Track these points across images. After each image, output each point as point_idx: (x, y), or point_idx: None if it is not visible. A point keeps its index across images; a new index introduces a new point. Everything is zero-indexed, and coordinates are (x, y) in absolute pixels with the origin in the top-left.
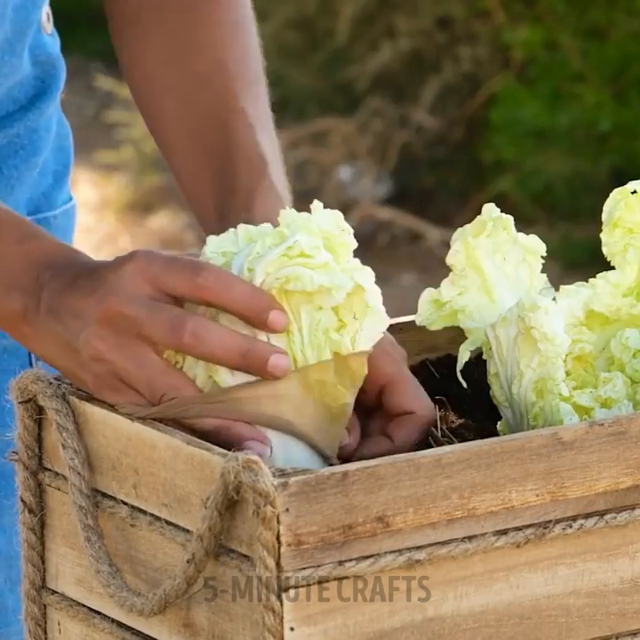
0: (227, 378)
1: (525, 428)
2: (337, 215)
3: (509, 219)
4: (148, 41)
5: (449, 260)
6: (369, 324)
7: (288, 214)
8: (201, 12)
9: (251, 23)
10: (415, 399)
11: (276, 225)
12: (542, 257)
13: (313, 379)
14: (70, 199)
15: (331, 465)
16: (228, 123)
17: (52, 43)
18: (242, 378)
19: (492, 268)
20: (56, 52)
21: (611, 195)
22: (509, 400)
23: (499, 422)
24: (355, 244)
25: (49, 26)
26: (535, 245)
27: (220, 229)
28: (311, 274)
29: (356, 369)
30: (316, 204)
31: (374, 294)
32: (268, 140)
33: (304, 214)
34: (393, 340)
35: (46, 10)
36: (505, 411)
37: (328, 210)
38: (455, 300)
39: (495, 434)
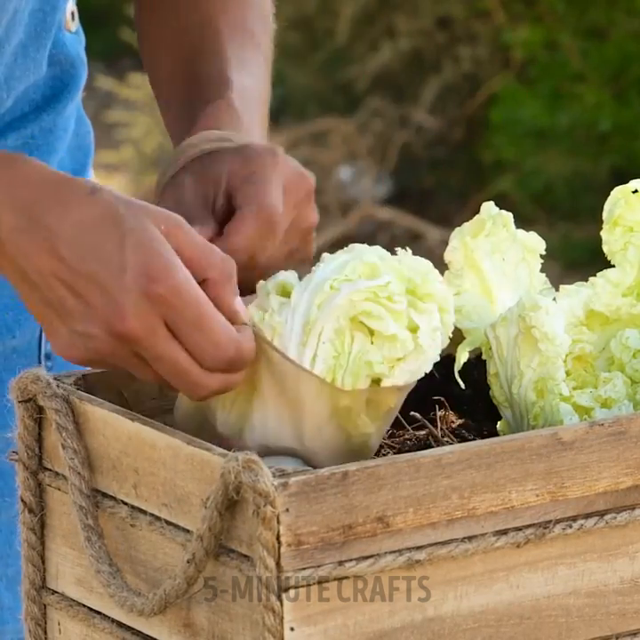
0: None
1: (525, 428)
2: (427, 264)
3: (509, 215)
4: (154, 14)
5: (447, 256)
6: (412, 361)
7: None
8: None
9: None
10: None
11: (220, 137)
12: (542, 256)
13: (343, 404)
14: None
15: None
16: (202, 62)
17: (74, 41)
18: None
19: (490, 268)
20: (76, 52)
21: (611, 193)
22: (509, 400)
23: (499, 422)
24: (443, 293)
25: (73, 24)
26: (534, 243)
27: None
28: (390, 320)
29: (384, 401)
30: (403, 253)
31: (427, 334)
32: (242, 75)
33: (395, 257)
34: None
35: (71, 8)
36: (505, 411)
37: (419, 258)
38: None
39: (495, 434)
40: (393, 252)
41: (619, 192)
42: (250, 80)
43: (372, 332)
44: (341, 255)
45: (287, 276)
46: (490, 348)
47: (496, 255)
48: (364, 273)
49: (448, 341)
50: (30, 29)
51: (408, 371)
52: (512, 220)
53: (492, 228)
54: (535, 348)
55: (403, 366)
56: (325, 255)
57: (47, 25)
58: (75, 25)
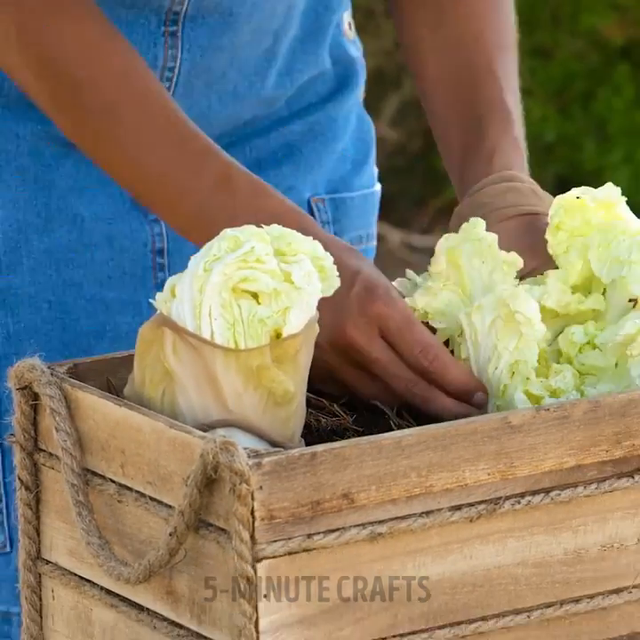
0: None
1: (493, 410)
2: (288, 230)
3: (494, 239)
4: (420, 11)
5: (433, 268)
6: (298, 305)
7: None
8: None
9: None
10: None
11: (512, 177)
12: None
13: (254, 365)
14: (370, 185)
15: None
16: (479, 80)
17: (353, 47)
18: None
19: (469, 267)
20: (356, 56)
21: (554, 201)
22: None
23: None
24: (312, 246)
25: (351, 33)
26: (512, 259)
27: (462, 175)
28: (267, 278)
29: (289, 349)
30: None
31: (301, 277)
32: (513, 100)
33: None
34: None
35: (348, 19)
36: None
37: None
38: (428, 304)
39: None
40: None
41: (560, 200)
42: (516, 103)
43: (255, 295)
44: (207, 243)
45: (173, 279)
46: (460, 335)
47: (475, 259)
48: (229, 247)
49: (337, 283)
50: (305, 27)
51: (299, 315)
52: (496, 242)
53: (477, 243)
54: (515, 332)
55: (293, 313)
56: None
57: (322, 25)
58: (353, 34)
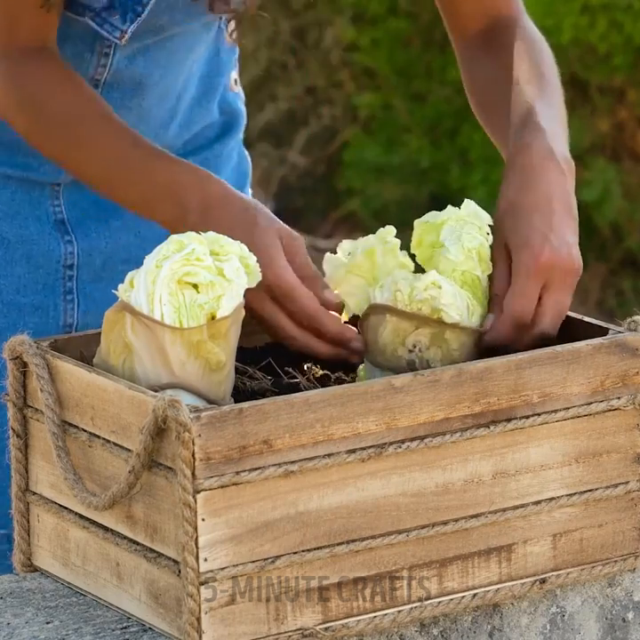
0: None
1: (380, 374)
2: (222, 237)
3: (396, 243)
4: (481, 63)
5: (350, 261)
6: (228, 293)
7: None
8: (508, 42)
9: (544, 48)
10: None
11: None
12: None
13: (194, 340)
14: None
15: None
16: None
17: (236, 98)
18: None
19: (382, 261)
20: (239, 107)
21: (415, 223)
22: (373, 348)
23: (360, 366)
24: (240, 249)
25: (236, 87)
26: (405, 261)
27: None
28: (205, 273)
29: (221, 328)
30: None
31: (231, 271)
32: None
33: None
34: None
35: (234, 76)
36: (366, 357)
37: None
38: (341, 288)
39: (347, 382)
40: None
41: (419, 223)
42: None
43: (195, 286)
44: (157, 246)
45: (132, 274)
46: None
47: (388, 256)
48: (175, 249)
49: (259, 277)
50: (200, 89)
51: (229, 301)
52: (398, 247)
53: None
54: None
55: (225, 299)
56: None
57: (213, 85)
58: (237, 88)
